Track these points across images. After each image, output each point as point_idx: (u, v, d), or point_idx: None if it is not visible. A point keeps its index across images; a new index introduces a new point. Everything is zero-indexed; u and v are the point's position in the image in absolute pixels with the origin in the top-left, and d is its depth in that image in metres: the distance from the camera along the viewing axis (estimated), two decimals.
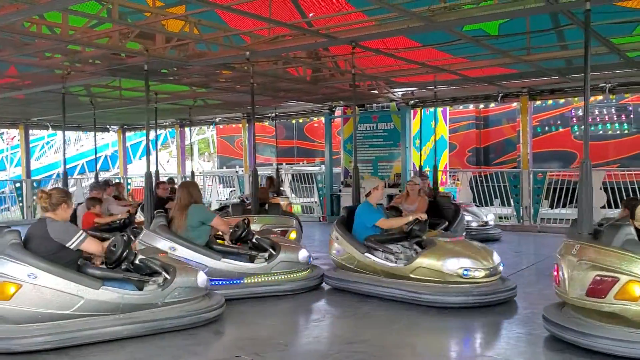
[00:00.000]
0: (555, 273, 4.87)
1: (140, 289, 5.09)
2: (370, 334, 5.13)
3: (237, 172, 14.88)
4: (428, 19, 6.25)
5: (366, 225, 6.75)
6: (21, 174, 17.37)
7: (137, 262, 5.20)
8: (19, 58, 8.23)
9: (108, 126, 19.19)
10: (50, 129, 17.95)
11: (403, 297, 6.06)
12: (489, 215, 11.26)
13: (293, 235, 8.45)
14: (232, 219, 7.51)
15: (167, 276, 5.23)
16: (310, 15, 7.14)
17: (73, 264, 4.92)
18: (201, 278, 5.48)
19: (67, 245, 4.84)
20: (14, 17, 5.93)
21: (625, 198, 8.97)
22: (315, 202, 15.91)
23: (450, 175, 16.38)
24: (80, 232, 4.99)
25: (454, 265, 5.89)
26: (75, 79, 9.55)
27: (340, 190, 14.87)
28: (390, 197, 12.01)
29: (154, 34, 7.36)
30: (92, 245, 5.02)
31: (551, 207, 13.06)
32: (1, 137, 30.78)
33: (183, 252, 6.28)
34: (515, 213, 12.66)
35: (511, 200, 12.85)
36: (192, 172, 13.79)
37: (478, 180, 14.64)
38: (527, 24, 7.43)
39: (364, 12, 6.71)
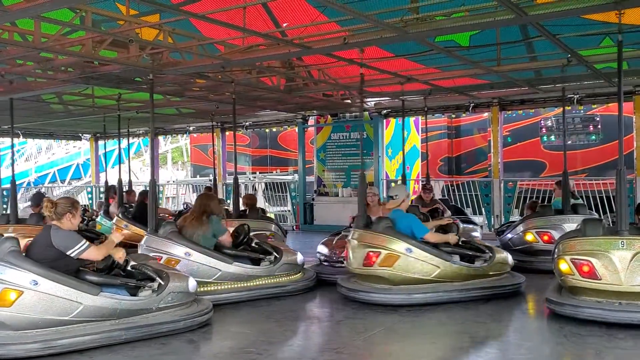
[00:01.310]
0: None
1: (135, 294, 5.20)
2: (352, 341, 5.21)
3: (210, 180, 14.86)
4: (401, 29, 6.35)
5: (416, 236, 6.65)
6: None
7: (128, 268, 5.35)
8: None
9: (80, 134, 19.00)
10: (21, 136, 17.70)
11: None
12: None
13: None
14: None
15: (160, 282, 5.34)
16: (284, 25, 7.20)
17: (73, 271, 4.99)
18: (192, 283, 5.66)
19: (68, 253, 4.95)
20: None
21: (531, 204, 9.89)
22: (289, 211, 15.93)
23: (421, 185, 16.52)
24: (83, 241, 5.05)
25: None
26: (47, 86, 9.46)
27: (313, 199, 14.92)
28: None
29: (127, 42, 7.34)
30: (93, 254, 5.10)
31: (521, 215, 13.25)
32: None
33: (198, 257, 6.57)
34: (486, 221, 12.83)
35: (482, 209, 13.03)
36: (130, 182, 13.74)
37: (450, 189, 14.82)
38: (497, 36, 7.59)
39: (338, 23, 6.79)
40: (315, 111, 14.42)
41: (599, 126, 15.46)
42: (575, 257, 5.61)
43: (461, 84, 10.51)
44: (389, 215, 6.95)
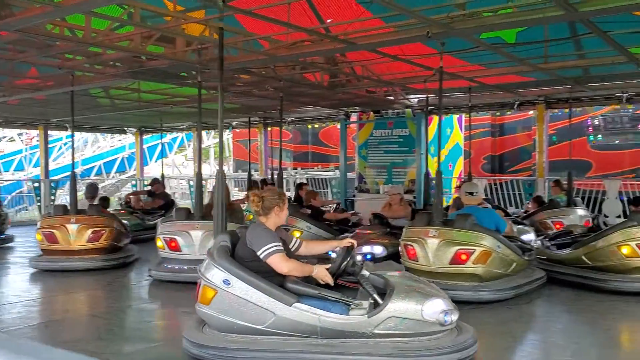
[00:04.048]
0: None
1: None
2: None
3: (252, 175, 14.99)
4: (447, 25, 6.29)
5: (500, 230, 6.78)
6: (39, 174, 17.60)
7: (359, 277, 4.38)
8: (41, 60, 8.37)
9: (125, 128, 19.38)
10: (68, 130, 18.14)
11: None
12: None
13: (297, 234, 8.23)
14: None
15: (378, 300, 4.22)
16: (328, 21, 7.21)
17: (274, 275, 4.35)
18: (431, 309, 4.17)
19: (257, 253, 4.35)
20: (39, 19, 6.04)
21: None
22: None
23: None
24: (272, 245, 4.33)
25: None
26: (95, 80, 9.68)
27: (354, 195, 14.90)
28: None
29: (174, 38, 7.46)
30: (279, 264, 4.30)
31: None
32: (20, 138, 31.14)
33: None
34: None
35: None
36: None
37: (493, 188, 14.62)
38: (545, 32, 7.45)
39: (382, 19, 6.76)
40: (357, 108, 14.39)
41: None
42: None
43: (506, 81, 10.35)
44: (465, 211, 6.93)
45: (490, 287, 6.32)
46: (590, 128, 15.96)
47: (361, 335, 4.17)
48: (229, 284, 4.29)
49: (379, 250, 8.21)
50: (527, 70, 9.12)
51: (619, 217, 11.22)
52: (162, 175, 11.94)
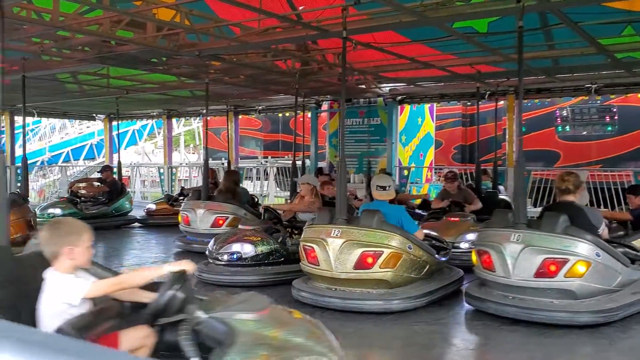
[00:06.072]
0: None
1: None
2: None
3: (222, 164, 14.85)
4: (420, 14, 6.29)
5: (409, 232, 6.41)
6: (6, 160, 17.23)
7: None
8: (7, 43, 8.14)
9: (94, 114, 19.06)
10: (35, 115, 17.79)
11: None
12: None
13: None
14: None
15: None
16: (300, 8, 7.15)
17: None
18: None
19: (598, 231, 5.52)
20: (6, 2, 5.87)
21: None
22: None
23: (435, 172, 16.48)
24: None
25: None
26: (63, 65, 9.48)
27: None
28: None
29: (144, 23, 7.33)
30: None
31: (534, 205, 13.20)
32: None
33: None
34: None
35: None
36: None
37: (463, 178, 14.73)
38: (516, 23, 7.48)
39: (355, 7, 6.73)
40: (329, 96, 14.36)
41: (616, 117, 15.28)
42: None
43: (477, 70, 10.40)
44: (372, 207, 6.27)
45: (400, 295, 5.74)
46: (558, 119, 16.17)
47: None
48: (599, 255, 5.30)
49: (248, 249, 7.27)
50: (498, 60, 9.18)
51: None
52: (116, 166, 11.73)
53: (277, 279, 7.11)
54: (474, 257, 5.97)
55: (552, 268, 5.25)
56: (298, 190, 8.62)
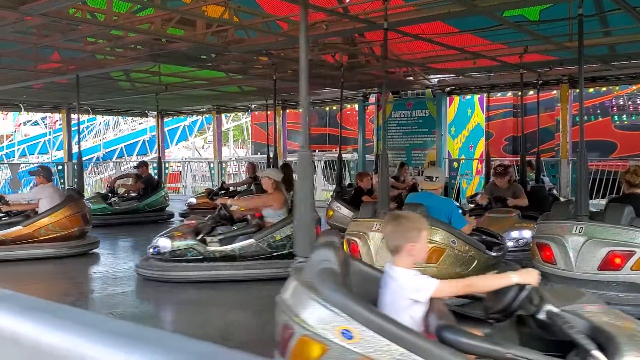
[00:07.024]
0: None
1: None
2: None
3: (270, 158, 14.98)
4: (469, 3, 6.20)
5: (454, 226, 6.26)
6: (63, 157, 17.83)
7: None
8: (64, 43, 8.41)
9: (147, 111, 19.46)
10: (91, 113, 18.30)
11: None
12: None
13: None
14: None
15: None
16: (347, 1, 7.14)
17: None
18: None
19: None
20: (62, 3, 6.04)
21: None
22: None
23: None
24: None
25: None
26: (116, 63, 9.72)
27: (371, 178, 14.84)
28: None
29: (194, 20, 7.44)
30: None
31: (590, 197, 12.83)
32: (43, 122, 31.50)
33: None
34: None
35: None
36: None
37: (515, 169, 14.46)
38: (569, 10, 7.30)
39: None
40: (376, 89, 14.29)
41: None
42: None
43: (529, 60, 10.18)
44: (417, 199, 6.13)
45: None
46: (614, 108, 15.69)
47: None
48: None
49: (165, 243, 6.97)
50: (551, 49, 8.96)
51: None
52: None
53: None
54: (533, 250, 5.80)
55: (617, 261, 5.06)
56: (344, 184, 8.36)
